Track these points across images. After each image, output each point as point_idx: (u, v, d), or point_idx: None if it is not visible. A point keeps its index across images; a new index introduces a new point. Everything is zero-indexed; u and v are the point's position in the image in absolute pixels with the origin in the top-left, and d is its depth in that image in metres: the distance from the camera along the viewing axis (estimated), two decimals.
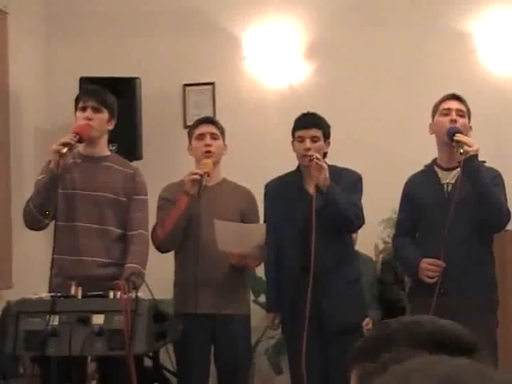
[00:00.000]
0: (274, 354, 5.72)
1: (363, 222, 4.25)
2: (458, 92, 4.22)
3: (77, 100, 4.04)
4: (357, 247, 5.58)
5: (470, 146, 3.88)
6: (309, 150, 4.15)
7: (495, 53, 5.97)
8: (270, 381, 6.03)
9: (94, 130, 3.97)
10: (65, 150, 3.68)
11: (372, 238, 5.32)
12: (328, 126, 4.31)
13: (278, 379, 5.77)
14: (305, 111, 4.37)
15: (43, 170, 3.97)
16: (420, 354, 0.99)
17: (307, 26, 6.22)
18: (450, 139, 3.94)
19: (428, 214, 4.06)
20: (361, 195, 4.26)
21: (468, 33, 6.02)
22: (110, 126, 4.08)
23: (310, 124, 4.24)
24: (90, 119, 3.95)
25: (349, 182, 4.23)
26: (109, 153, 4.17)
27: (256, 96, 6.21)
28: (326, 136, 4.28)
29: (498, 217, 3.94)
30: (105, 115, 4.01)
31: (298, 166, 4.32)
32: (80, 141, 3.82)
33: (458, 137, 3.91)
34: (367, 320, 5.26)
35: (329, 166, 4.26)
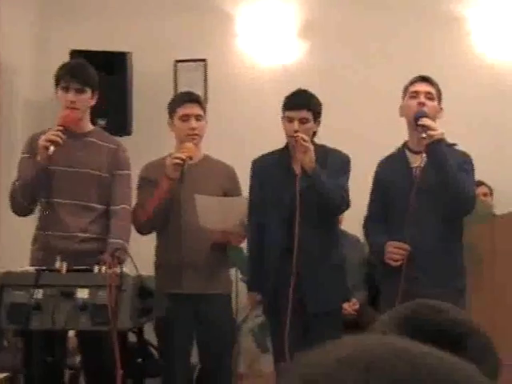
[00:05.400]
0: (259, 333, 5.72)
1: (349, 205, 4.22)
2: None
3: (58, 77, 4.01)
4: (345, 228, 5.58)
5: (434, 131, 3.86)
6: (297, 131, 4.11)
7: (489, 37, 5.95)
8: (256, 359, 6.04)
9: (79, 112, 3.97)
10: (52, 148, 3.76)
11: (361, 220, 5.31)
12: (319, 105, 4.23)
13: (264, 357, 5.77)
14: (296, 89, 4.31)
15: (26, 150, 4.03)
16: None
17: (302, 4, 6.18)
18: (415, 124, 3.92)
19: (396, 197, 4.03)
20: (348, 177, 4.22)
21: (462, 16, 5.99)
22: (93, 102, 4.07)
23: (299, 105, 4.15)
24: (73, 102, 3.94)
25: (336, 163, 4.19)
26: (91, 127, 4.16)
27: (248, 74, 6.18)
28: (317, 116, 4.23)
29: (461, 202, 3.91)
30: (88, 94, 4.00)
31: (287, 144, 4.27)
32: (66, 130, 3.84)
33: (423, 121, 3.89)
34: (354, 301, 5.28)
35: (318, 145, 4.22)
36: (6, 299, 3.36)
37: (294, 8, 6.16)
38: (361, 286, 5.44)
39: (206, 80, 6.16)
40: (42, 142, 3.79)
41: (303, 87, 4.36)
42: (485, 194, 5.60)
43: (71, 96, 3.94)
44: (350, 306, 5.24)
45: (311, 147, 4.01)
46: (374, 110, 5.97)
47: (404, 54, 6.02)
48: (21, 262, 3.96)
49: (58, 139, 3.77)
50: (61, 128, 3.81)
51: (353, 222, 5.28)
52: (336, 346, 0.73)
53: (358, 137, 5.84)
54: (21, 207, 4.00)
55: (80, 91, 3.96)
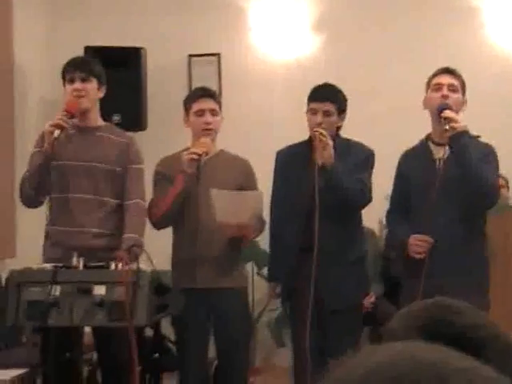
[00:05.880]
0: (276, 327, 5.74)
1: (369, 200, 4.18)
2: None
3: (64, 73, 4.06)
4: None
5: (457, 123, 3.84)
6: (320, 124, 4.10)
7: (503, 28, 5.92)
8: (272, 353, 6.05)
9: (86, 101, 3.99)
10: (57, 132, 3.77)
11: (376, 213, 5.31)
12: (344, 100, 4.22)
13: (280, 352, 5.79)
14: (321, 83, 4.27)
15: (38, 143, 4.02)
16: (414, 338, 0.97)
17: None
18: (438, 116, 3.91)
19: (419, 189, 4.02)
20: (370, 172, 4.19)
21: (477, 8, 5.96)
22: (101, 94, 4.09)
23: (323, 97, 4.15)
24: (79, 90, 3.96)
25: (359, 158, 4.17)
26: (103, 123, 4.17)
27: (262, 68, 6.17)
28: (341, 110, 4.20)
29: (484, 195, 3.89)
30: (94, 84, 4.02)
31: (310, 137, 4.21)
32: (71, 117, 3.87)
33: (446, 113, 3.87)
34: (370, 294, 5.26)
35: (342, 139, 4.22)
36: (23, 296, 3.38)
37: (308, 2, 6.15)
38: (376, 279, 5.44)
39: (219, 74, 6.16)
40: (47, 127, 3.82)
41: (317, 81, 4.35)
42: (501, 186, 5.57)
43: (76, 85, 3.98)
44: (367, 300, 5.24)
45: (330, 143, 3.99)
46: (389, 103, 5.96)
47: (418, 47, 6.00)
48: (37, 258, 3.99)
49: (63, 123, 3.79)
50: (65, 113, 3.83)
51: (367, 215, 5.28)
52: (362, 357, 0.73)
53: (372, 129, 5.83)
54: (28, 197, 4.01)
55: (85, 80, 3.99)
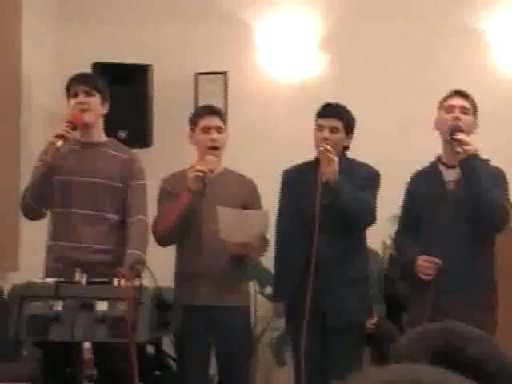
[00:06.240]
0: (277, 346, 5.72)
1: (373, 220, 4.19)
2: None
3: (68, 88, 4.08)
4: None
5: (468, 145, 3.85)
6: (326, 140, 4.11)
7: (508, 50, 5.93)
8: (273, 372, 6.02)
9: (89, 115, 4.00)
10: (60, 142, 3.77)
11: (380, 234, 5.30)
12: (352, 119, 4.25)
13: (281, 371, 5.76)
14: (323, 103, 4.30)
15: (41, 157, 4.03)
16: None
17: (322, 16, 6.18)
18: (450, 137, 3.92)
19: (428, 211, 4.03)
20: (375, 193, 4.20)
21: (481, 30, 5.98)
22: (104, 110, 4.11)
23: (331, 114, 4.19)
24: (82, 103, 3.99)
25: (363, 178, 4.18)
26: (106, 138, 4.19)
27: (268, 86, 6.18)
28: (349, 129, 4.22)
29: (494, 218, 3.90)
30: (97, 98, 4.05)
31: (318, 157, 4.22)
32: (74, 129, 3.89)
33: (458, 135, 3.89)
34: (373, 315, 5.25)
35: (347, 159, 4.23)
36: (25, 310, 3.38)
37: (314, 21, 6.16)
38: (379, 300, 5.43)
39: (226, 92, 6.17)
40: (49, 138, 3.83)
41: (323, 100, 4.38)
42: None
43: (80, 98, 4.00)
44: (369, 322, 5.22)
45: (335, 159, 4.00)
46: (393, 123, 5.96)
47: (424, 67, 6.01)
48: (40, 272, 3.99)
49: (65, 133, 3.80)
50: (68, 124, 3.85)
51: (370, 236, 5.28)
52: (365, 377, 0.73)
53: (377, 149, 5.83)
54: (29, 209, 4.01)
55: (89, 94, 4.02)
